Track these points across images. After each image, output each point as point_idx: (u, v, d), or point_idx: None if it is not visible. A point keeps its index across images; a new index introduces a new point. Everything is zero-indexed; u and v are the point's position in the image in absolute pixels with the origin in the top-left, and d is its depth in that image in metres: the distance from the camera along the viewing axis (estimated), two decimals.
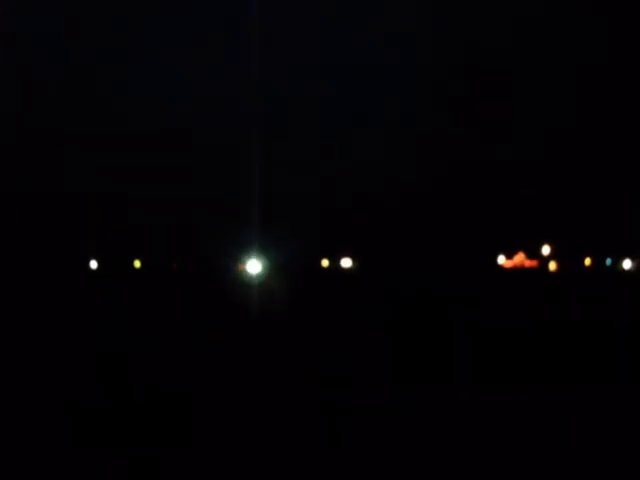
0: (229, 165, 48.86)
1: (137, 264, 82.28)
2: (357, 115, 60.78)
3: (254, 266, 37.22)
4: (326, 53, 57.28)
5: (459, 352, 14.88)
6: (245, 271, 38.16)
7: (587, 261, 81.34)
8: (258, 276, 35.12)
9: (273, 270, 38.99)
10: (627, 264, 78.77)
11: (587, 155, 65.65)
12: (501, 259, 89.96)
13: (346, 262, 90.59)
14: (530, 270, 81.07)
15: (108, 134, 55.85)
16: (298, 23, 55.20)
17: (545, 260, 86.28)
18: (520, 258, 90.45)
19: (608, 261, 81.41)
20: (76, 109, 54.15)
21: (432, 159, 66.03)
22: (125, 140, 56.37)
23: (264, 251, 38.35)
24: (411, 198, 71.79)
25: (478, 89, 59.39)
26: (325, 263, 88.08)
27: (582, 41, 57.14)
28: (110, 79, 53.17)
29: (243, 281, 32.80)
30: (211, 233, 49.16)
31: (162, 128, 53.44)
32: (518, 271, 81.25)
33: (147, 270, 68.99)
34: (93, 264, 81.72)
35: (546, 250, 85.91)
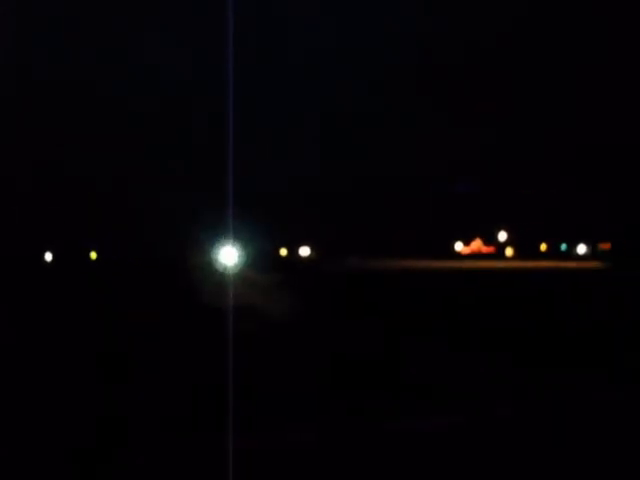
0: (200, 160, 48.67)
1: (93, 255, 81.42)
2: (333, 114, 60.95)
3: (229, 256, 36.90)
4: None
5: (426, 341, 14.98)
6: (219, 262, 37.79)
7: (542, 247, 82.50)
8: (233, 267, 34.75)
9: (246, 260, 38.82)
10: (582, 249, 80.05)
11: (547, 145, 66.43)
12: (458, 246, 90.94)
13: (304, 251, 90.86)
14: (487, 256, 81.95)
15: (82, 130, 55.20)
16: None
17: (502, 246, 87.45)
18: (477, 244, 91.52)
19: (563, 246, 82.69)
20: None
21: (393, 151, 66.35)
22: (93, 133, 55.69)
23: (237, 242, 38.15)
24: (369, 189, 72.09)
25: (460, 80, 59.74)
26: (283, 252, 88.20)
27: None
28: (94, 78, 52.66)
29: (217, 272, 32.46)
30: (179, 225, 48.77)
31: (135, 122, 52.96)
32: (476, 257, 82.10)
33: (105, 261, 68.11)
34: (48, 256, 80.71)
35: (503, 236, 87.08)
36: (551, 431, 7.77)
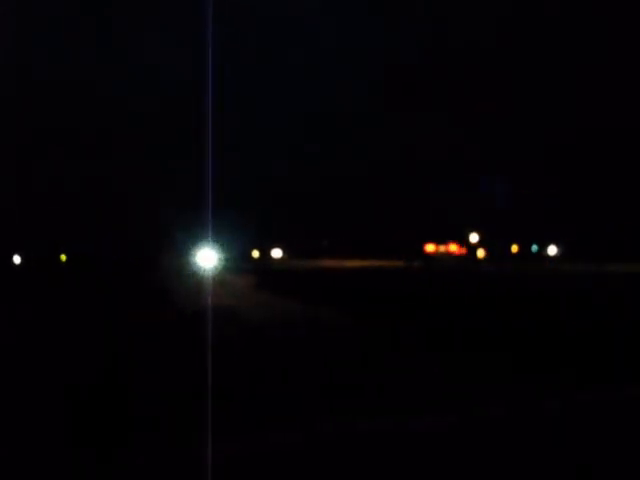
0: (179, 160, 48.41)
1: (63, 258, 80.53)
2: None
3: (207, 258, 36.50)
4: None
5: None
6: (197, 264, 37.41)
7: (514, 248, 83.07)
8: (211, 269, 34.38)
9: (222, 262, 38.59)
10: (552, 250, 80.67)
11: (518, 146, 66.67)
12: (430, 247, 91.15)
13: (276, 252, 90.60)
14: (459, 257, 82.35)
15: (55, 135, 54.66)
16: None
17: (473, 248, 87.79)
18: (449, 246, 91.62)
19: (534, 248, 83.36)
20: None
21: (368, 153, 66.26)
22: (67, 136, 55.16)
23: (215, 244, 37.84)
24: (346, 192, 72.04)
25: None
26: (256, 254, 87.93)
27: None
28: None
29: (195, 274, 32.14)
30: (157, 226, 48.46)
31: (109, 126, 52.47)
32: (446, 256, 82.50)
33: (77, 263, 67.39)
34: (16, 259, 79.68)
35: (474, 238, 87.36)
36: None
